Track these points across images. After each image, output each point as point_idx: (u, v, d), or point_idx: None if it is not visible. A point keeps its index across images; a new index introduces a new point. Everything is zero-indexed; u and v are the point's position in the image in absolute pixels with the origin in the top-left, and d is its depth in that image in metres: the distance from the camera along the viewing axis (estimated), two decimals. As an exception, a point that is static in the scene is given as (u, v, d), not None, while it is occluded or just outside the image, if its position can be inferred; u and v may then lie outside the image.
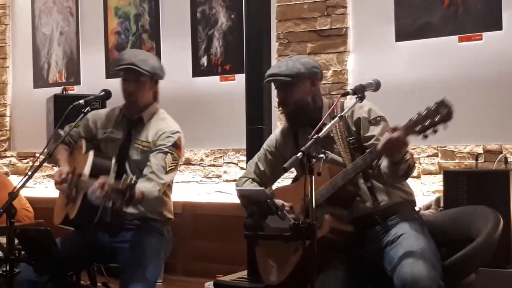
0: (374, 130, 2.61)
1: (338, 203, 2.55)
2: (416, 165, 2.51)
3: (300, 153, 2.21)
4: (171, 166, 2.98)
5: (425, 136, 2.26)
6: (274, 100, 4.56)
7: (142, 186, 2.86)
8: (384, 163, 2.48)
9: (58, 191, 3.16)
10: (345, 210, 2.56)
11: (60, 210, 3.16)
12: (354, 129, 2.67)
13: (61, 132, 3.20)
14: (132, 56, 3.07)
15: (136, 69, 3.01)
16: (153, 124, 3.08)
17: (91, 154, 3.01)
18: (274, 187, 3.02)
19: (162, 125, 3.08)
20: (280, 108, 2.84)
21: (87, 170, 2.95)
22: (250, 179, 2.91)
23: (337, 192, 2.51)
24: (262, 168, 2.90)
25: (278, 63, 2.91)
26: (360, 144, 2.62)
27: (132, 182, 2.59)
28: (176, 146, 3.02)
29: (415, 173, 4.27)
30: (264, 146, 2.95)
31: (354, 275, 2.57)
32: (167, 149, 2.99)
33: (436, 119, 2.23)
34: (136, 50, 3.18)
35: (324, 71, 4.60)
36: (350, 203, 2.57)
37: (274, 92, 4.83)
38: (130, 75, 3.04)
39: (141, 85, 3.06)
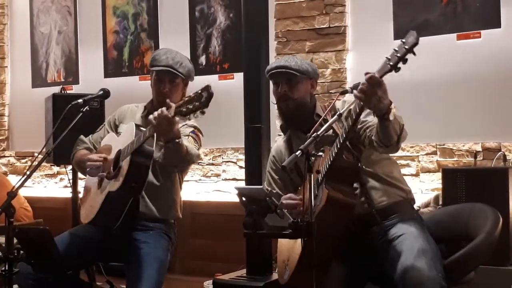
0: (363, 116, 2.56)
1: (339, 177, 2.51)
2: (406, 130, 2.45)
3: (299, 152, 2.22)
4: (194, 147, 2.97)
5: (398, 69, 2.24)
6: (273, 98, 4.57)
7: (185, 142, 2.84)
8: (374, 131, 2.45)
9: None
10: (348, 185, 2.53)
11: (92, 198, 3.06)
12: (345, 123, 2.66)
13: (84, 138, 3.18)
14: (170, 58, 3.06)
15: (173, 71, 3.02)
16: None
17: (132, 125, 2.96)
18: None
19: (182, 121, 3.09)
20: (280, 104, 2.80)
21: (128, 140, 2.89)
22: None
23: (335, 164, 2.47)
24: (277, 186, 2.89)
25: (283, 58, 2.89)
26: (357, 133, 2.59)
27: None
28: (195, 133, 3.03)
29: (413, 171, 4.29)
30: (267, 169, 2.96)
31: (354, 273, 2.57)
32: (188, 134, 2.99)
33: (405, 49, 2.21)
34: (171, 51, 3.16)
35: (322, 70, 4.64)
36: (351, 176, 2.53)
37: (272, 90, 4.82)
38: (166, 77, 3.05)
39: (175, 87, 3.07)
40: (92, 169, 2.92)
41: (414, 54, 2.21)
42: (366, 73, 2.29)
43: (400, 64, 2.23)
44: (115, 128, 3.21)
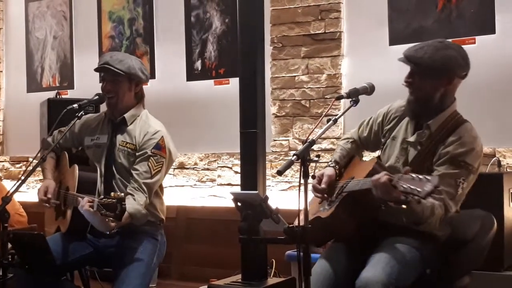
0: (444, 169, 2.47)
1: (357, 200, 2.52)
2: (436, 220, 2.41)
3: (294, 156, 2.22)
4: (156, 169, 3.00)
5: (403, 198, 2.20)
6: (268, 105, 4.58)
7: (130, 208, 2.86)
8: None
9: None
10: (360, 209, 2.53)
11: (50, 222, 3.19)
12: (436, 158, 2.53)
13: (49, 139, 3.21)
14: (108, 56, 3.08)
15: (110, 68, 3.01)
16: (136, 126, 3.10)
17: (76, 168, 3.03)
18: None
19: (145, 126, 3.10)
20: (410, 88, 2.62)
21: (73, 184, 2.98)
22: (351, 140, 2.87)
23: (359, 192, 2.48)
24: (365, 134, 2.86)
25: (423, 46, 2.64)
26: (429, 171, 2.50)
27: (122, 195, 2.62)
28: (159, 147, 3.03)
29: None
30: (376, 113, 2.82)
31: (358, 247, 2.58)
32: (150, 153, 3.00)
33: (421, 190, 2.12)
34: (117, 52, 3.20)
35: (318, 75, 4.65)
36: (369, 205, 2.51)
37: (268, 95, 4.82)
38: (107, 75, 3.07)
39: (118, 85, 3.06)
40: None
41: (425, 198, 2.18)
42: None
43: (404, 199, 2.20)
44: (79, 143, 3.24)
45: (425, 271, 2.54)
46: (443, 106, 2.59)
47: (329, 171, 2.68)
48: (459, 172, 2.46)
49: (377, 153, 2.91)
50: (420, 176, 2.14)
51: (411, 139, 2.61)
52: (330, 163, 2.73)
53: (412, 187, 2.12)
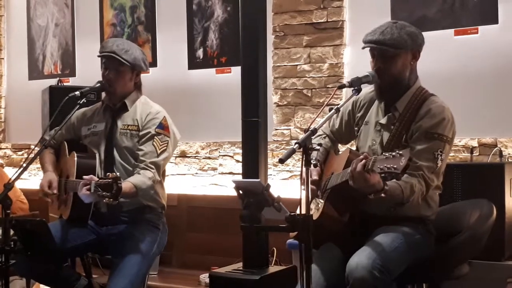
0: (419, 144, 2.50)
1: (341, 193, 2.52)
2: (407, 198, 2.43)
3: (296, 145, 2.22)
4: (162, 148, 3.01)
5: (385, 178, 2.24)
6: (270, 94, 4.58)
7: (134, 179, 2.87)
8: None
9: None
10: (347, 201, 2.53)
11: (54, 212, 3.21)
12: (410, 133, 2.56)
13: (46, 137, 3.22)
14: (115, 44, 3.07)
15: (117, 58, 3.01)
16: (137, 108, 3.11)
17: (74, 155, 3.04)
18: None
19: (146, 107, 3.12)
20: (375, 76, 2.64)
21: (73, 171, 2.99)
22: (324, 135, 2.88)
23: (340, 185, 2.49)
24: (336, 127, 2.88)
25: (379, 29, 2.67)
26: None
27: (118, 174, 2.62)
28: (162, 126, 3.04)
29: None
30: (343, 106, 2.77)
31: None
32: (153, 132, 3.01)
33: (397, 166, 2.15)
34: (122, 40, 3.19)
35: (320, 64, 4.64)
36: (354, 197, 2.52)
37: (270, 84, 4.83)
38: (111, 63, 3.06)
39: (120, 75, 3.06)
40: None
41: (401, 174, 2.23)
42: (364, 158, 2.28)
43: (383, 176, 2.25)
44: (76, 135, 3.24)
45: (422, 257, 2.54)
46: (410, 84, 2.64)
47: (314, 171, 2.67)
48: (435, 145, 2.49)
49: (351, 145, 2.92)
50: (393, 153, 2.17)
51: (383, 121, 2.64)
52: (312, 160, 2.69)
53: (388, 166, 2.16)
